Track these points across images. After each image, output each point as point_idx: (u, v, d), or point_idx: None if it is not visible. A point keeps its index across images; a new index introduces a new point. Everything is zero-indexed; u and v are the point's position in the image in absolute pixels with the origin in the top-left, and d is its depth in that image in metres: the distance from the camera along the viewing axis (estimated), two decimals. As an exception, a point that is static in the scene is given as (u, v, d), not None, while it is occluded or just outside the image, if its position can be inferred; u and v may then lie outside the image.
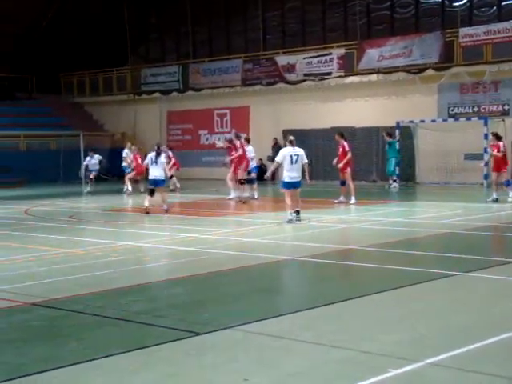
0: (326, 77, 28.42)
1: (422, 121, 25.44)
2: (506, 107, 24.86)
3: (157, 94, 33.90)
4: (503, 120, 24.68)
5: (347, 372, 5.24)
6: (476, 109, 25.41)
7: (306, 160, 14.37)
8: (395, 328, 6.43)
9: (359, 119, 27.47)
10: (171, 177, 24.24)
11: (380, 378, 5.04)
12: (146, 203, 16.66)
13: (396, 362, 5.36)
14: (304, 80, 29.05)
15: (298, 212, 14.19)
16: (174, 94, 33.23)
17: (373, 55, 26.79)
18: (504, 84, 24.72)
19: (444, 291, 8.06)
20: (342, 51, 27.99)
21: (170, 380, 5.26)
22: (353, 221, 15.09)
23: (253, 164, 20.69)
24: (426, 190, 23.19)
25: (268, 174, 15.71)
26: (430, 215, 15.66)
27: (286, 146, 14.59)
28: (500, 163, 18.64)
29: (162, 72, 33.79)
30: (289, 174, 14.14)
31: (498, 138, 18.82)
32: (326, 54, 28.35)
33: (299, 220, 14.13)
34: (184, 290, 8.35)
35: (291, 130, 28.87)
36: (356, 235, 13.14)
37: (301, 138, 27.93)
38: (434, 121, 25.28)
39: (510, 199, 18.19)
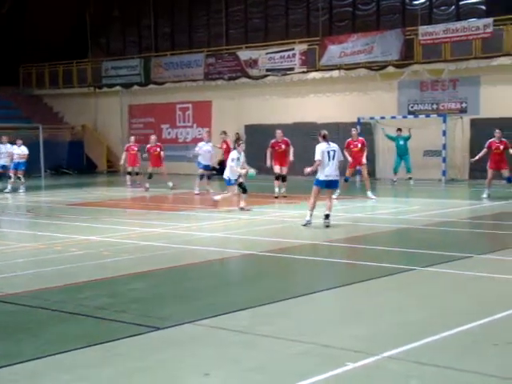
0: (288, 72, 28.50)
1: (383, 117, 25.71)
2: (464, 105, 25.25)
3: (118, 87, 33.59)
4: (461, 117, 25.09)
5: (306, 366, 5.30)
6: (435, 106, 25.78)
7: (342, 157, 13.57)
8: (354, 322, 6.51)
9: (321, 115, 27.63)
10: (134, 173, 24.11)
11: (338, 371, 5.11)
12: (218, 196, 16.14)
13: (354, 355, 5.44)
14: (266, 75, 29.09)
15: (327, 216, 12.91)
16: (136, 87, 32.97)
17: (334, 51, 26.96)
18: (462, 82, 25.11)
19: (402, 286, 8.18)
20: (305, 47, 28.10)
21: (130, 375, 5.25)
22: (315, 216, 15.18)
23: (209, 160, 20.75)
24: (385, 185, 23.44)
25: (308, 171, 13.32)
26: (389, 211, 15.85)
27: (319, 142, 13.18)
28: (503, 160, 18.38)
29: (124, 65, 33.50)
30: (324, 171, 12.86)
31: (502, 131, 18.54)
32: (289, 50, 28.44)
33: (328, 226, 12.82)
34: (144, 285, 8.32)
35: (253, 125, 28.97)
36: (317, 230, 13.23)
37: (263, 133, 28.11)
38: (394, 117, 25.57)
39: (484, 195, 18.11)
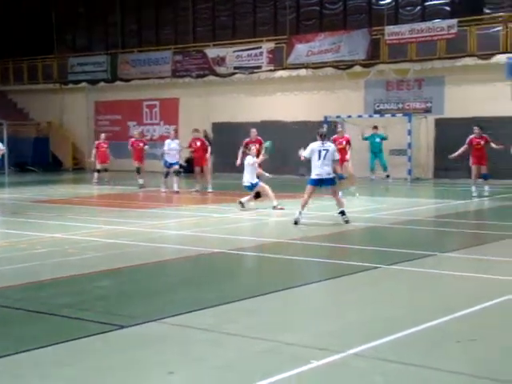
0: (255, 70, 28.52)
1: (349, 116, 25.86)
2: (429, 105, 25.54)
3: (84, 84, 33.27)
4: (425, 117, 25.38)
5: (271, 364, 5.29)
6: (400, 105, 26.02)
7: (337, 157, 13.41)
8: (321, 319, 6.53)
9: (288, 113, 27.72)
10: (103, 170, 23.84)
11: (303, 369, 5.11)
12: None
13: (319, 353, 5.45)
14: (234, 73, 29.08)
15: (342, 212, 12.97)
16: (102, 84, 32.69)
17: (302, 50, 27.04)
18: (427, 82, 25.39)
19: (369, 283, 8.23)
20: (272, 45, 28.14)
21: (94, 374, 5.19)
22: (283, 214, 15.21)
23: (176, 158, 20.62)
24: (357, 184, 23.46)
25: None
26: (356, 209, 15.94)
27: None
28: (483, 156, 18.55)
29: (90, 61, 33.18)
30: (314, 170, 13.04)
31: (481, 128, 18.67)
32: (256, 48, 28.45)
33: (347, 221, 12.88)
34: (109, 283, 8.24)
35: (221, 123, 28.94)
36: (283, 228, 13.25)
37: (230, 131, 28.13)
38: (360, 116, 25.74)
39: (486, 193, 18.25)
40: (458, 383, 4.94)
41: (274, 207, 15.49)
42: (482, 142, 18.53)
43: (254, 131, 19.45)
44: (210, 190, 19.89)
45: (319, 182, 13.19)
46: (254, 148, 16.78)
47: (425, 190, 22.47)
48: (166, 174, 20.38)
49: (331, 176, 13.23)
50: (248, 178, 15.87)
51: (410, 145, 24.69)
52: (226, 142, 27.89)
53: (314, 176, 13.13)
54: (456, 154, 19.03)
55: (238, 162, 18.92)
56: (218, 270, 9.38)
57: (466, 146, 18.81)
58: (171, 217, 14.70)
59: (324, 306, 7.13)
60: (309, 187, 13.24)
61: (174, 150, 20.60)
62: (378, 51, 25.77)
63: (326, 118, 26.12)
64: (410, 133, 24.65)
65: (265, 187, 15.86)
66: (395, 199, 18.40)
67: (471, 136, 18.73)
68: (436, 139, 25.20)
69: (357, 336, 5.92)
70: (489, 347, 5.68)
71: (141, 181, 21.91)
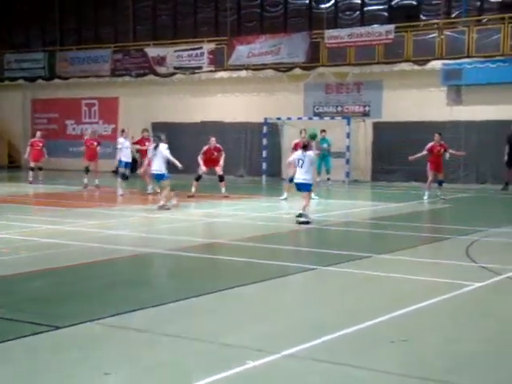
0: (196, 71, 28.45)
1: (289, 118, 26.06)
2: (367, 108, 25.96)
3: (21, 81, 32.55)
4: (364, 120, 25.78)
5: (207, 364, 5.31)
6: (340, 108, 26.36)
7: (314, 163, 14.32)
8: (256, 320, 6.58)
9: (229, 114, 27.74)
10: (37, 168, 23.38)
11: (238, 369, 5.15)
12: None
13: (254, 354, 5.50)
14: (174, 73, 28.94)
15: (299, 215, 13.59)
16: (40, 81, 32.05)
17: (242, 51, 27.11)
18: (365, 86, 25.80)
19: (304, 285, 8.33)
20: (213, 46, 28.12)
21: (27, 376, 5.11)
22: (220, 215, 15.24)
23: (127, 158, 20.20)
24: (292, 185, 23.67)
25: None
26: (294, 210, 16.07)
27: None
28: (441, 163, 18.89)
29: (27, 58, 32.48)
30: (295, 175, 14.14)
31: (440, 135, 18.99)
32: (197, 48, 28.38)
33: (300, 223, 13.36)
34: (45, 284, 8.11)
35: (161, 123, 28.70)
36: (222, 229, 13.29)
37: (170, 131, 27.89)
38: (300, 118, 25.94)
39: (425, 198, 18.46)
40: (389, 383, 5.06)
41: (161, 206, 15.56)
42: (442, 150, 18.91)
43: (213, 140, 19.31)
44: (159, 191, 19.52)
45: (297, 186, 14.13)
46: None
47: (363, 193, 22.83)
48: (123, 176, 19.61)
49: (306, 182, 13.91)
50: (157, 166, 15.92)
51: (348, 148, 25.04)
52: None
53: (294, 180, 14.21)
54: (415, 157, 19.22)
55: (203, 169, 18.80)
56: (155, 271, 9.34)
57: (425, 152, 19.02)
58: (111, 217, 14.54)
59: (260, 307, 7.17)
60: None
61: (128, 148, 20.12)
62: (318, 54, 26.04)
63: (265, 119, 26.26)
64: (348, 136, 25.00)
65: (167, 187, 15.97)
66: (333, 201, 18.65)
67: (432, 143, 18.90)
68: (374, 142, 25.64)
69: (292, 337, 5.99)
70: (420, 347, 5.82)
71: (85, 180, 21.42)
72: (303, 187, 13.99)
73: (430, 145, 18.92)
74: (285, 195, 18.19)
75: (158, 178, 16.27)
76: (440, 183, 18.91)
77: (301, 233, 12.97)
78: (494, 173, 23.26)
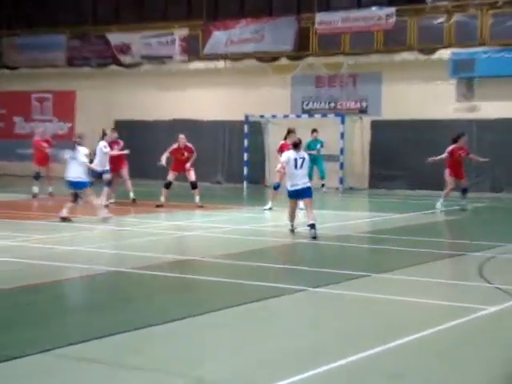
0: (166, 61, 28.43)
1: (274, 116, 26.09)
2: (364, 104, 26.03)
3: (-39, 72, 32.38)
4: (360, 118, 25.88)
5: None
6: (332, 105, 26.44)
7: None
8: (234, 351, 6.53)
9: (205, 112, 27.72)
10: None
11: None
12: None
13: (233, 389, 5.45)
14: (141, 63, 28.89)
15: (312, 226, 13.40)
16: (-17, 72, 31.89)
17: (220, 38, 27.13)
18: (362, 79, 25.89)
19: (290, 309, 8.30)
20: (186, 32, 28.12)
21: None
22: (194, 228, 15.20)
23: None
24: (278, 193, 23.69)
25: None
26: (279, 223, 16.06)
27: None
28: (462, 168, 18.95)
29: (-31, 45, 32.30)
30: (290, 181, 13.81)
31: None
32: (167, 35, 28.37)
33: (315, 237, 13.26)
34: (-15, 310, 8.02)
35: (126, 121, 28.63)
36: (195, 244, 13.24)
37: (137, 131, 27.89)
38: (286, 116, 25.99)
39: (440, 207, 18.46)
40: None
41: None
42: (463, 154, 18.94)
43: (182, 137, 19.23)
44: (133, 197, 19.41)
45: (294, 194, 13.81)
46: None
47: (359, 202, 22.89)
48: (110, 183, 19.02)
49: (307, 186, 13.85)
50: (75, 172, 15.70)
51: (342, 150, 25.13)
52: (131, 144, 27.57)
53: (289, 187, 13.85)
54: (434, 159, 19.15)
55: (163, 162, 18.82)
56: (116, 293, 9.26)
57: (445, 155, 19.02)
58: (65, 230, 14.43)
59: (238, 335, 7.13)
60: (289, 201, 14.02)
61: (105, 152, 19.57)
62: (307, 42, 26.11)
63: (247, 117, 26.29)
64: (342, 136, 25.09)
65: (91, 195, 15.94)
66: (325, 212, 18.62)
67: (453, 145, 18.91)
68: (372, 144, 25.72)
69: (275, 369, 5.94)
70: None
71: (35, 189, 21.00)
72: (307, 193, 13.81)
73: (451, 147, 18.92)
74: (269, 205, 18.16)
75: (78, 186, 15.62)
76: (464, 191, 19.00)
77: (288, 249, 12.94)
78: (510, 179, 23.41)
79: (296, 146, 13.99)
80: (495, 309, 8.07)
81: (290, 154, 13.91)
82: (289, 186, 13.87)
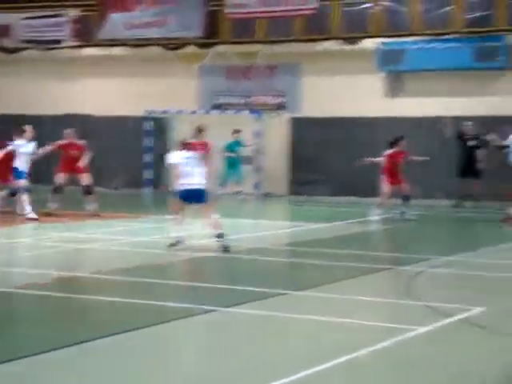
0: (55, 46, 28.05)
1: (180, 111, 26.07)
2: (283, 100, 26.25)
3: None
4: (279, 115, 26.04)
5: None
6: (247, 99, 26.55)
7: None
8: (127, 382, 6.54)
9: (100, 105, 27.47)
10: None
11: None
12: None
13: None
14: (24, 48, 28.43)
15: (219, 235, 13.57)
16: None
17: (118, 21, 26.94)
18: (280, 70, 26.10)
19: (191, 333, 8.32)
20: (77, 13, 27.82)
21: None
22: (87, 240, 15.07)
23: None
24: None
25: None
26: (187, 234, 16.09)
27: None
28: (399, 173, 19.22)
29: None
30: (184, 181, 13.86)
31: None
32: (56, 16, 28.00)
33: (227, 249, 13.45)
34: None
35: (7, 115, 28.10)
36: (86, 259, 13.17)
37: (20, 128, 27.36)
38: (194, 112, 26.00)
39: (375, 217, 18.69)
40: None
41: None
42: (403, 159, 19.24)
43: (69, 132, 19.05)
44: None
45: (186, 195, 13.84)
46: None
47: (277, 210, 23.10)
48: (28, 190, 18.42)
49: (203, 188, 13.86)
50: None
51: (258, 151, 25.28)
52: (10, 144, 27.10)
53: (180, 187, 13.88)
54: (373, 160, 19.41)
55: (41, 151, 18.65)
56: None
57: (382, 159, 19.33)
58: None
59: (136, 363, 7.10)
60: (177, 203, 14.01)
61: (29, 155, 19.02)
62: (217, 28, 26.19)
63: (149, 112, 26.18)
64: (258, 135, 25.25)
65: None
66: (238, 221, 18.75)
67: (393, 149, 19.16)
68: (292, 144, 25.96)
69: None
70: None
71: None
72: (202, 196, 13.84)
73: (389, 152, 19.23)
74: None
75: None
76: (405, 198, 19.32)
77: (195, 263, 12.97)
78: (443, 184, 23.99)
79: (187, 145, 14.25)
80: (425, 329, 8.29)
81: (179, 155, 14.01)
82: (180, 186, 13.88)
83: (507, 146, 18.39)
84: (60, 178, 18.80)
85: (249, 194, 24.82)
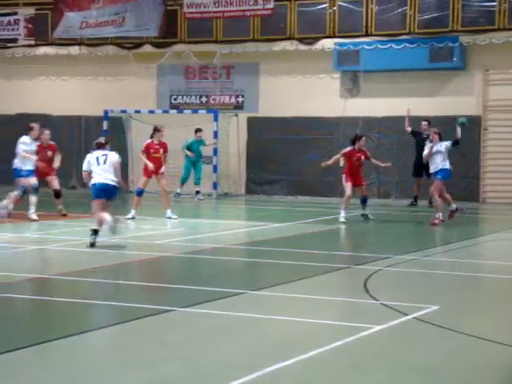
0: (9, 45, 27.85)
1: (138, 111, 26.00)
2: (240, 99, 26.35)
3: None
4: (236, 115, 26.12)
5: None
6: (204, 99, 26.61)
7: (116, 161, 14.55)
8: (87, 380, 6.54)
9: (56, 105, 27.34)
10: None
11: None
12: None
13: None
14: (-21, 47, 28.19)
15: (95, 231, 13.83)
16: None
17: (74, 20, 26.81)
18: (238, 70, 26.20)
19: (149, 332, 8.32)
20: (32, 11, 27.65)
21: None
22: (44, 241, 15.01)
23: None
24: (143, 200, 23.65)
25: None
26: (144, 233, 16.08)
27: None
28: (359, 173, 19.05)
29: None
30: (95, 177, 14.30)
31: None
32: (10, 14, 27.78)
33: (92, 244, 13.70)
34: None
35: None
36: (42, 261, 13.10)
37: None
38: (152, 112, 25.95)
39: (342, 219, 18.39)
40: None
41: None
42: (363, 157, 19.00)
43: (47, 133, 18.88)
44: None
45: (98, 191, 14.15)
46: None
47: (235, 209, 23.11)
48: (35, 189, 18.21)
49: (113, 184, 14.23)
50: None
51: (216, 150, 25.31)
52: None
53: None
54: (328, 163, 19.20)
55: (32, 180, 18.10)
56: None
57: (339, 156, 19.20)
58: None
59: (92, 365, 7.11)
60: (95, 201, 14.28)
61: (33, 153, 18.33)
62: (175, 27, 26.19)
63: (106, 112, 26.08)
64: (216, 135, 25.27)
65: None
66: (195, 221, 18.78)
67: (350, 147, 18.88)
68: (249, 144, 26.06)
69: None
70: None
71: None
72: (112, 192, 14.31)
73: (347, 149, 19.02)
74: (132, 213, 18.15)
75: None
76: (364, 200, 19.17)
77: (151, 263, 12.96)
78: (399, 184, 24.26)
79: (101, 145, 14.75)
80: (381, 327, 8.38)
81: (90, 156, 14.48)
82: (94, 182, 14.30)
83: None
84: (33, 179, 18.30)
85: (207, 194, 24.83)
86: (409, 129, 22.51)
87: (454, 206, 18.21)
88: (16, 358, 7.23)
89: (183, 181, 24.42)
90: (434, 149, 17.98)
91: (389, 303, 9.57)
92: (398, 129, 23.80)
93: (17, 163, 18.07)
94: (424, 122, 22.59)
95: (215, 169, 25.36)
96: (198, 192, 24.24)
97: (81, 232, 15.59)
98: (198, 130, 24.49)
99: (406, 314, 9.01)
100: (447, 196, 18.13)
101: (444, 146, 18.06)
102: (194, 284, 10.76)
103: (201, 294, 10.09)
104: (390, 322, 8.61)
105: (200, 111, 25.85)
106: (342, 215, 18.50)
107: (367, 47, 24.34)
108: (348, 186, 18.89)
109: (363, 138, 19.31)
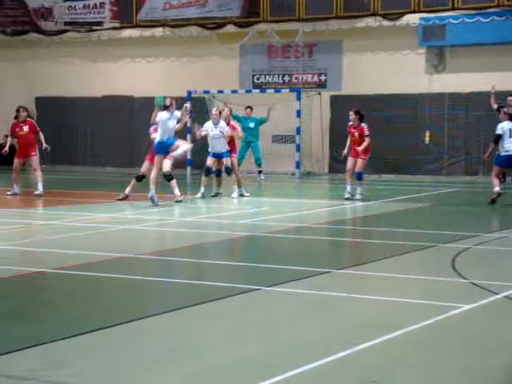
0: (95, 28, 28.18)
1: (221, 91, 26.04)
2: (323, 77, 26.15)
3: None
4: (319, 93, 25.97)
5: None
6: (287, 78, 26.50)
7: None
8: (170, 362, 6.51)
9: (139, 86, 27.56)
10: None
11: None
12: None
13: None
14: (65, 30, 28.58)
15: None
16: None
17: (157, 2, 27.01)
18: (320, 48, 26.01)
19: (239, 311, 8.31)
20: (117, -5, 27.93)
21: None
22: (128, 221, 15.14)
23: None
24: (224, 180, 23.74)
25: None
26: (228, 213, 16.09)
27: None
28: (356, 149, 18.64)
29: None
30: None
31: (361, 116, 18.59)
32: (96, -2, 28.13)
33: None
34: None
35: (48, 97, 28.35)
36: (131, 240, 13.18)
37: (61, 110, 27.65)
38: (235, 92, 25.96)
39: (358, 196, 18.28)
40: None
41: None
42: (357, 134, 18.68)
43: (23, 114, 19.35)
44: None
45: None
46: None
47: (317, 189, 23.01)
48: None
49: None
50: None
51: (298, 129, 25.21)
52: (55, 124, 27.37)
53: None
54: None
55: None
56: (38, 298, 9.17)
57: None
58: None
59: (179, 343, 7.11)
60: None
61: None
62: (258, 7, 26.11)
63: (189, 93, 26.18)
64: (299, 114, 25.17)
65: None
66: (278, 200, 18.70)
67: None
68: (332, 122, 25.87)
69: (229, 380, 5.96)
70: (393, 389, 5.89)
71: None
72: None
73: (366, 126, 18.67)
74: (202, 190, 18.31)
75: None
76: (359, 177, 18.59)
77: (236, 242, 12.96)
78: (486, 161, 23.73)
79: (166, 107, 16.38)
80: (471, 306, 8.19)
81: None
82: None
83: None
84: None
85: (286, 174, 24.75)
86: (495, 105, 21.96)
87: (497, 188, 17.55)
88: (118, 332, 7.34)
89: (240, 160, 24.22)
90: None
91: (479, 282, 9.36)
92: (485, 105, 23.25)
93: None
94: (510, 98, 22.01)
95: (298, 148, 25.24)
96: (260, 172, 23.96)
97: (155, 212, 15.67)
98: (247, 107, 23.65)
99: (497, 293, 8.79)
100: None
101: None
102: (279, 263, 10.72)
103: (286, 272, 10.04)
104: (481, 301, 8.41)
105: (283, 90, 25.77)
106: (347, 191, 18.41)
107: (454, 21, 23.88)
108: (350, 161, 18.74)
109: (355, 114, 18.77)
